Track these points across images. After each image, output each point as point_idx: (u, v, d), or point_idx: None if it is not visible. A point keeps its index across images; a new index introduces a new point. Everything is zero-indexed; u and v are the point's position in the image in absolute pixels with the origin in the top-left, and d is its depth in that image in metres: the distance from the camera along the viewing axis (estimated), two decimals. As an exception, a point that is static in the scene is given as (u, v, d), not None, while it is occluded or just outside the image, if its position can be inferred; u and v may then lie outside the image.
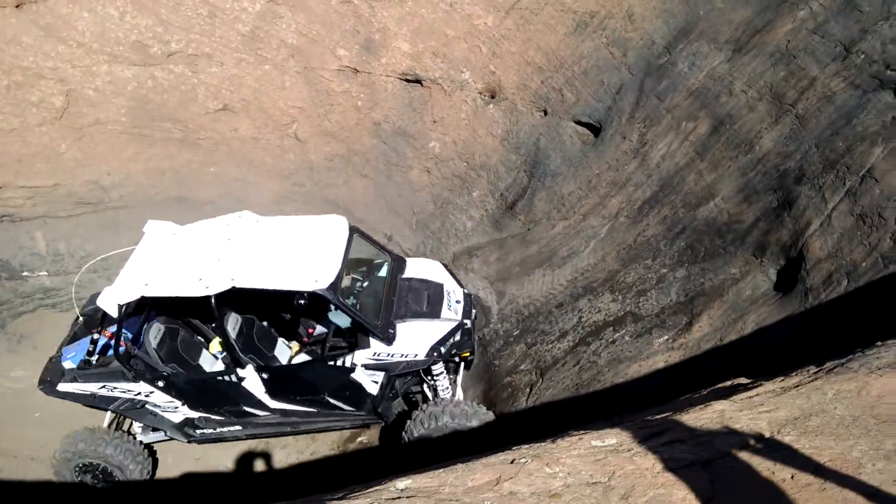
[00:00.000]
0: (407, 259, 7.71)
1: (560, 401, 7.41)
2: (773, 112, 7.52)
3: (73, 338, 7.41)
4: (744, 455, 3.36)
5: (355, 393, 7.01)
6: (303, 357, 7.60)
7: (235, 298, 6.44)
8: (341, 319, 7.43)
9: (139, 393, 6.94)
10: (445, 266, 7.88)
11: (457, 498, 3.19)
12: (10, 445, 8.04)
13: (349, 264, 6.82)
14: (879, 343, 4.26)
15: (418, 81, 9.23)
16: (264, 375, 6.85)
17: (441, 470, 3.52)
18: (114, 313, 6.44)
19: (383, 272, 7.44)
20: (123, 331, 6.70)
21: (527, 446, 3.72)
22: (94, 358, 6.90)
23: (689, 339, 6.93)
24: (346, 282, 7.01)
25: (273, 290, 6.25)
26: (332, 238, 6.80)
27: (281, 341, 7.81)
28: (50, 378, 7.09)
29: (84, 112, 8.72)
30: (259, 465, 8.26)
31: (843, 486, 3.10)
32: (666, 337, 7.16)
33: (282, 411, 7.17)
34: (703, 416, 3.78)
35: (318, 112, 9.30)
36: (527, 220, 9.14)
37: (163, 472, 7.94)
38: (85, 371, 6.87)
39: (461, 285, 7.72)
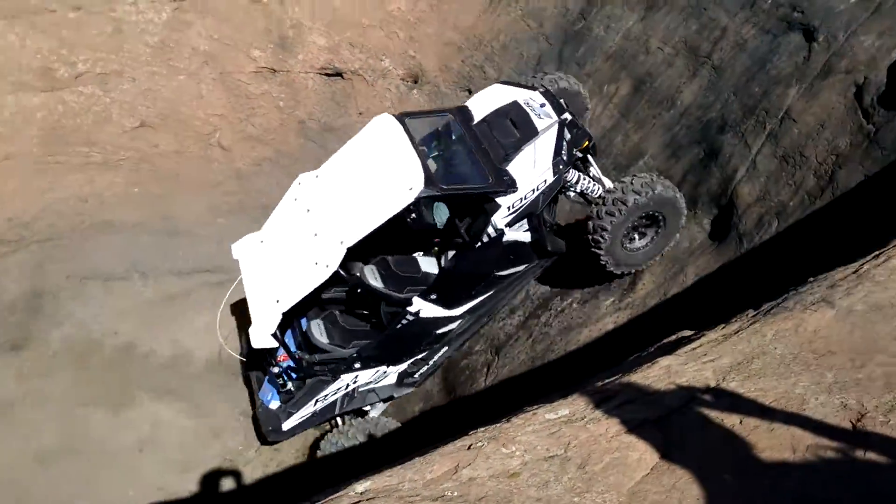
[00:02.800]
0: (466, 104, 6.90)
1: (518, 376, 7.45)
2: (691, 66, 7.63)
3: (258, 384, 7.44)
4: (692, 407, 3.41)
5: (518, 252, 6.59)
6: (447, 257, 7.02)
7: (355, 253, 6.01)
8: (451, 206, 6.71)
9: (348, 384, 6.94)
10: (506, 82, 7.14)
11: (417, 493, 3.16)
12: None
13: (422, 150, 6.18)
14: (811, 279, 4.37)
15: (339, 74, 9.09)
16: (433, 297, 6.50)
17: (399, 467, 3.48)
18: (275, 343, 6.12)
19: (456, 131, 6.66)
20: (291, 348, 6.48)
21: (483, 429, 3.71)
22: (290, 385, 6.91)
23: (635, 298, 7.04)
24: (432, 166, 6.27)
25: (380, 225, 5.78)
26: (392, 141, 6.17)
27: (419, 258, 7.40)
28: (271, 427, 7.06)
29: (-8, 148, 8.35)
30: (226, 485, 8.11)
31: (789, 424, 3.17)
32: (612, 299, 7.24)
33: (468, 312, 6.90)
34: (651, 374, 3.82)
35: (240, 117, 9.08)
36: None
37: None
38: (291, 400, 6.89)
39: (533, 87, 6.90)
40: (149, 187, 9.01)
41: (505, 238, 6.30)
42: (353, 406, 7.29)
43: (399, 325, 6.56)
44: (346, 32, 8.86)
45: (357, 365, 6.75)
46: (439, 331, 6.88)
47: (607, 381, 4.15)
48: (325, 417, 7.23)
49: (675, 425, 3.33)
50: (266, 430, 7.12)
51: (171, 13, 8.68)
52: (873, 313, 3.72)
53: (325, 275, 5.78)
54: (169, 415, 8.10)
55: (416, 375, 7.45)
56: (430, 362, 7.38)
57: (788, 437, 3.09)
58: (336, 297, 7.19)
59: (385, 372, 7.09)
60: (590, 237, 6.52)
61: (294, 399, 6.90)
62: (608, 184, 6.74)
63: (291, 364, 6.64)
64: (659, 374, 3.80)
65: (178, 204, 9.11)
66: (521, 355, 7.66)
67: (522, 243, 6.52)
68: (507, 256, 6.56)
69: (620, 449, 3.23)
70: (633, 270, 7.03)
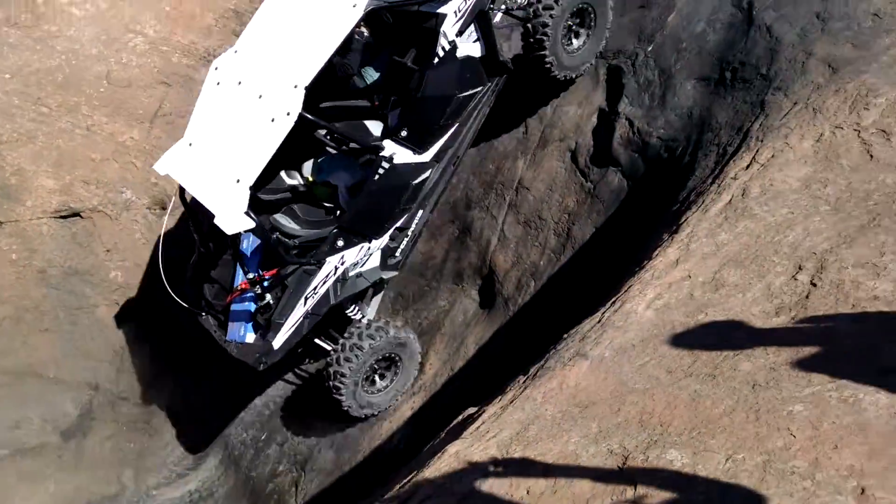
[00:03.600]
0: None
1: (329, 488, 7.23)
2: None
3: (221, 329, 6.53)
4: (484, 488, 3.50)
5: (473, 69, 6.32)
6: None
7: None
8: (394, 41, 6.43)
9: (336, 268, 6.34)
10: None
11: None
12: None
13: None
14: (565, 335, 4.75)
15: (77, 214, 8.48)
16: (402, 134, 6.22)
17: None
18: (251, 223, 5.37)
19: None
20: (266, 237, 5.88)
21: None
22: (268, 297, 6.13)
23: (426, 380, 7.19)
24: None
25: (332, 52, 5.40)
26: None
27: (368, 124, 6.82)
28: (258, 353, 6.22)
29: None
30: None
31: (570, 480, 3.36)
32: (405, 386, 7.34)
33: (436, 158, 6.51)
34: (443, 465, 3.88)
35: (-34, 280, 8.10)
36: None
37: None
38: (276, 310, 6.14)
39: None
40: None
41: (458, 52, 6.15)
42: (347, 293, 6.69)
43: (376, 178, 6.21)
44: (76, 171, 8.33)
45: (340, 242, 6.29)
46: (415, 181, 6.51)
47: (406, 480, 4.15)
48: (319, 315, 6.54)
49: (470, 512, 3.40)
50: (254, 362, 6.28)
51: None
52: (619, 356, 4.12)
53: (288, 123, 5.32)
54: None
55: (398, 253, 6.94)
56: (410, 232, 6.91)
57: (570, 494, 3.27)
58: (283, 199, 6.84)
59: (368, 249, 6.62)
60: (532, 39, 6.34)
61: (279, 306, 6.20)
62: None
63: (259, 280, 6.16)
64: (449, 463, 3.87)
65: None
66: (328, 465, 7.45)
67: (475, 59, 6.37)
68: (464, 74, 6.34)
69: (423, 553, 3.22)
70: (574, 76, 6.93)
